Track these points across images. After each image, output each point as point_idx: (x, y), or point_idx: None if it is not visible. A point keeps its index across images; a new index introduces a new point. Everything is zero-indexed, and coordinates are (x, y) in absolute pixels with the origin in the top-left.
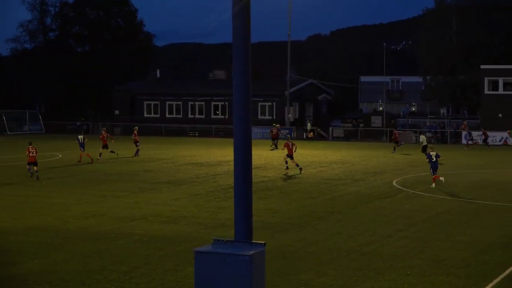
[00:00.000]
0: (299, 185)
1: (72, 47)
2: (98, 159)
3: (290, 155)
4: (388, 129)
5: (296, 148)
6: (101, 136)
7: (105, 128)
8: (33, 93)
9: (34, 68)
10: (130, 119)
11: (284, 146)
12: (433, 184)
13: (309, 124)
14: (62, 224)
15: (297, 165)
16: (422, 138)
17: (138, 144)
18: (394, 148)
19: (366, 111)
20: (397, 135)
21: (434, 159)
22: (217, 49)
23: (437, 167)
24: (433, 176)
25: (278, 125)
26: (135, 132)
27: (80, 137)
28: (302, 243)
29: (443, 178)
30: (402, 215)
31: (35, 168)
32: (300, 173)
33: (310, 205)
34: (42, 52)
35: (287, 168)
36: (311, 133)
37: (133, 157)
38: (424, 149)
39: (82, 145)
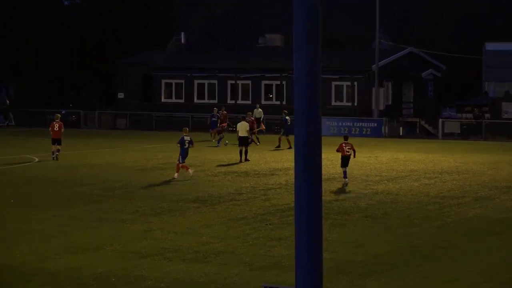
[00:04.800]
0: (394, 206)
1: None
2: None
3: None
4: None
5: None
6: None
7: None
8: None
9: (0, 31)
10: (141, 105)
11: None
12: (176, 174)
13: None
14: (38, 262)
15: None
16: (240, 126)
17: None
18: None
19: (493, 94)
20: None
21: (187, 145)
22: (270, 3)
23: (187, 156)
24: (180, 165)
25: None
26: None
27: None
28: None
29: (192, 170)
30: None
31: None
32: None
33: (410, 235)
34: (11, 6)
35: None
36: None
37: None
38: (244, 142)
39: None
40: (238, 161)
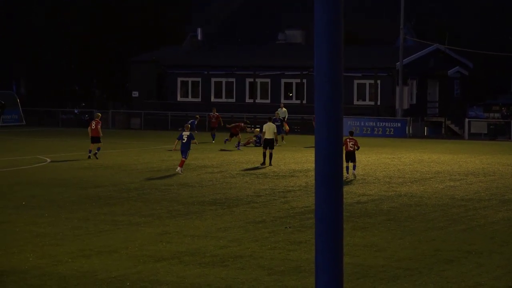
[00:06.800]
0: (417, 209)
1: None
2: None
3: None
4: None
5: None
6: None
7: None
8: (7, 64)
9: (8, 25)
10: (156, 104)
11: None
12: (179, 169)
13: None
14: (51, 265)
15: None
16: (266, 127)
17: None
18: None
19: None
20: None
21: (185, 140)
22: None
23: (185, 151)
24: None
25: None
26: None
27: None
28: None
29: (180, 169)
30: None
31: None
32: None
33: (433, 239)
34: (11, 6)
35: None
36: None
37: None
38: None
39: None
40: (257, 162)
